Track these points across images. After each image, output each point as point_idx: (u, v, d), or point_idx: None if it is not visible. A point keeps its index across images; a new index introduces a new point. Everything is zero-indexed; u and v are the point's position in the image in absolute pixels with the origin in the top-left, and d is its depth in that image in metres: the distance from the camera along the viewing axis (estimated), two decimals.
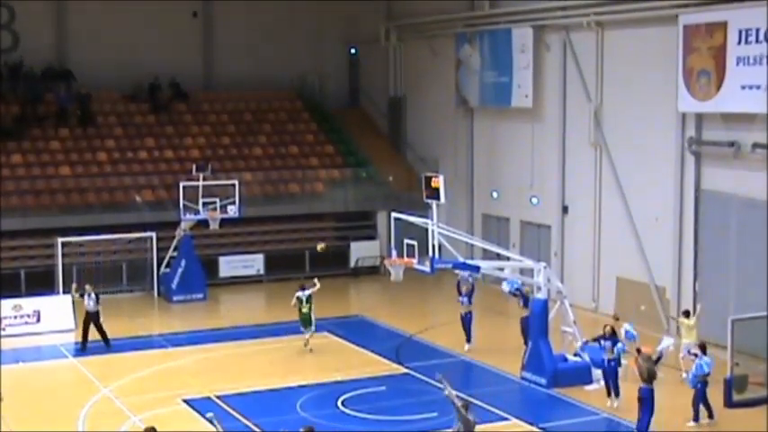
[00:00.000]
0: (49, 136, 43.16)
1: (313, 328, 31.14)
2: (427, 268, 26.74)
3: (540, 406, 25.49)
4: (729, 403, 25.48)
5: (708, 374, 24.39)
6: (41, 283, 36.94)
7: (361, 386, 27.28)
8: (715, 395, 25.61)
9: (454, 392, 19.41)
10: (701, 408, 24.48)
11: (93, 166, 42.39)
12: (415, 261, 26.98)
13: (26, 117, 43.24)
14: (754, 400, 25.61)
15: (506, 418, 24.89)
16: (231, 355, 31.14)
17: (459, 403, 19.22)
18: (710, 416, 24.52)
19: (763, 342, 25.92)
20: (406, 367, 29.26)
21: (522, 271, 30.16)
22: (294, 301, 31.36)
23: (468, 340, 31.03)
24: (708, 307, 31.16)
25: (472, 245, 34.06)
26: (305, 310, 31.15)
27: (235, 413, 25.24)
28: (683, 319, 28.59)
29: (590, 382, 27.25)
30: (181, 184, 37.94)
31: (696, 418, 24.40)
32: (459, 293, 31.18)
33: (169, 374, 29.07)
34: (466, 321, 31.10)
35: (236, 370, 29.43)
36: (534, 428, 24.18)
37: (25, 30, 44.79)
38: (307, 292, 31.21)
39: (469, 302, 30.97)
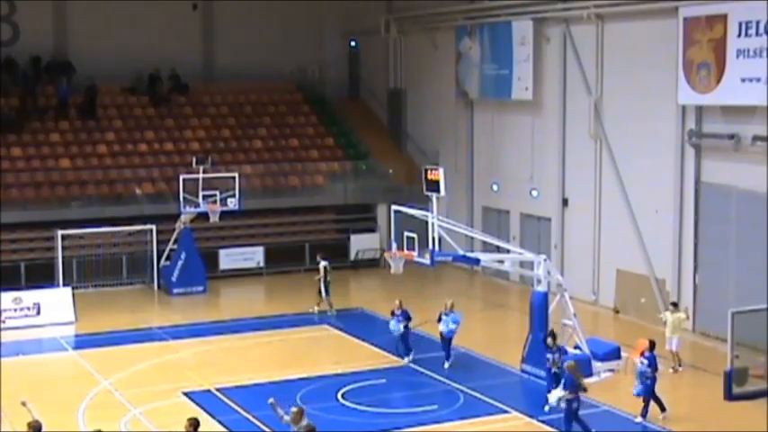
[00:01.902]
0: (49, 128, 43.16)
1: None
2: (427, 261, 26.72)
3: (541, 398, 25.40)
4: (729, 396, 25.44)
5: (649, 371, 24.05)
6: (41, 276, 36.96)
7: (362, 379, 27.28)
8: (715, 387, 25.65)
9: (281, 412, 19.24)
10: (650, 404, 24.24)
11: (93, 158, 42.40)
12: (415, 254, 26.95)
13: (26, 109, 43.23)
14: (755, 392, 25.56)
15: (507, 411, 24.89)
16: (231, 347, 31.15)
17: (286, 418, 19.08)
18: (643, 415, 24.07)
19: (764, 334, 25.88)
20: (406, 360, 29.25)
21: (522, 263, 30.18)
22: (323, 270, 34.58)
23: (407, 353, 28.86)
24: (708, 299, 31.27)
25: (472, 237, 34.05)
26: (329, 278, 34.63)
27: (235, 406, 25.26)
28: (677, 314, 28.38)
29: (590, 374, 27.21)
30: (181, 177, 37.92)
31: (663, 409, 24.21)
32: (393, 315, 28.93)
33: (169, 367, 29.08)
34: (404, 337, 28.84)
35: (236, 363, 29.44)
36: (534, 421, 24.17)
37: (25, 22, 44.81)
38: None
39: (405, 319, 28.78)
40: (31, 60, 44.51)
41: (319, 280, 34.69)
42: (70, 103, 43.99)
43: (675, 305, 29.20)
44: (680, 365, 28.03)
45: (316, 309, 34.74)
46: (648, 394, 24.28)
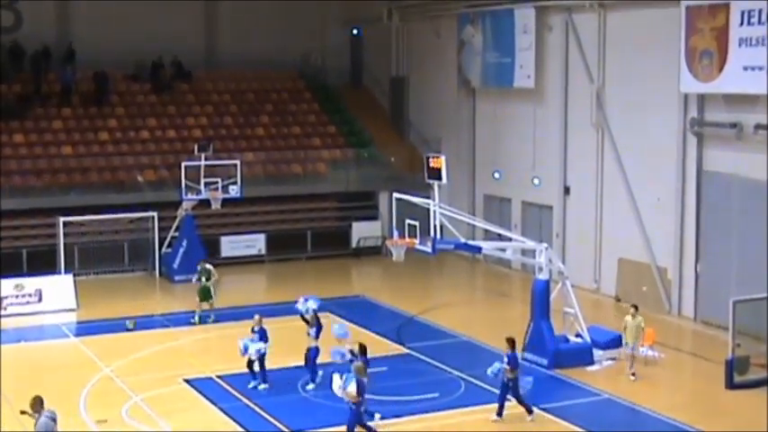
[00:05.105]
0: (52, 115, 43.14)
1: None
2: (429, 249, 26.70)
3: (542, 387, 25.45)
4: (731, 384, 25.50)
5: (509, 370, 23.39)
6: (43, 263, 36.96)
7: None
8: (716, 376, 25.67)
9: (36, 416, 18.98)
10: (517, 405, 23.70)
11: (95, 145, 42.40)
12: (416, 241, 26.92)
13: (29, 96, 43.20)
14: (756, 381, 25.62)
15: (508, 399, 24.86)
16: (232, 335, 31.05)
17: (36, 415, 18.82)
18: (499, 413, 23.40)
19: (765, 323, 25.92)
20: (408, 348, 29.28)
21: (524, 252, 30.18)
22: (214, 275, 32.83)
23: (313, 380, 26.15)
24: (709, 288, 31.29)
25: (474, 225, 34.00)
26: (212, 283, 32.76)
27: (236, 393, 25.30)
28: (638, 318, 26.71)
29: (591, 362, 27.28)
30: (183, 164, 37.93)
31: (529, 411, 23.43)
32: (307, 323, 26.60)
33: (170, 354, 29.12)
34: (310, 356, 26.25)
35: (237, 350, 29.36)
36: (535, 409, 24.16)
37: (27, 9, 44.75)
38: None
39: (316, 336, 26.36)
40: (33, 47, 44.40)
41: (204, 284, 32.58)
42: (74, 89, 43.97)
43: (636, 308, 27.12)
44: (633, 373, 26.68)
45: (197, 318, 32.49)
46: (502, 395, 23.49)
